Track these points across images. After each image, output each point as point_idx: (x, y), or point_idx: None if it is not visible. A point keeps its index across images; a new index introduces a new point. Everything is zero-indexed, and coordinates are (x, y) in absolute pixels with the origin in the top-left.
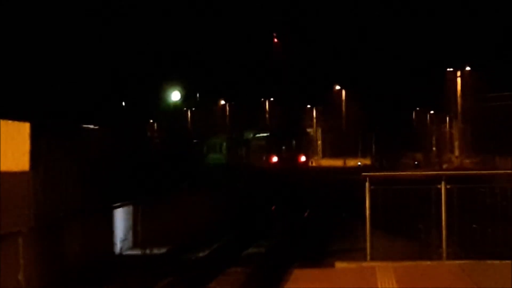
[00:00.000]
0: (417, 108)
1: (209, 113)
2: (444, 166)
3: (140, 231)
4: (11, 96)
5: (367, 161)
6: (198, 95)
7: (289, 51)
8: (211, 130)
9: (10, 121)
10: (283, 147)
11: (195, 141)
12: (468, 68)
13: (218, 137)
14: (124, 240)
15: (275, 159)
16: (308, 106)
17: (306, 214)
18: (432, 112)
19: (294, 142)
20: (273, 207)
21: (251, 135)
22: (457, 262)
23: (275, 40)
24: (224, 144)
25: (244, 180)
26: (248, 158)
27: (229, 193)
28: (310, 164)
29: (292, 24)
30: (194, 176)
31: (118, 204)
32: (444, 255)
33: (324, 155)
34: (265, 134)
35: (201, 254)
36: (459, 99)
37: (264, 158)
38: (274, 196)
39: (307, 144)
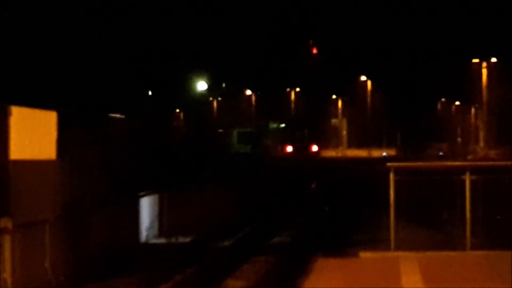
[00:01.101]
0: (443, 99)
1: (235, 103)
2: (469, 157)
3: (165, 220)
4: (38, 85)
5: (392, 152)
6: (224, 85)
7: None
8: (236, 120)
9: (37, 110)
10: (297, 138)
11: (220, 130)
12: (494, 59)
13: (246, 127)
14: (150, 229)
15: (289, 148)
16: (334, 96)
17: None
18: (457, 103)
19: (306, 132)
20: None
21: (272, 126)
22: (481, 252)
23: (314, 50)
24: (252, 134)
25: (268, 170)
26: (268, 148)
27: (254, 182)
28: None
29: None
30: (219, 165)
31: (144, 193)
32: (468, 245)
33: (349, 146)
34: (281, 126)
35: (226, 243)
36: (484, 90)
37: (279, 148)
38: (289, 184)
39: (319, 134)
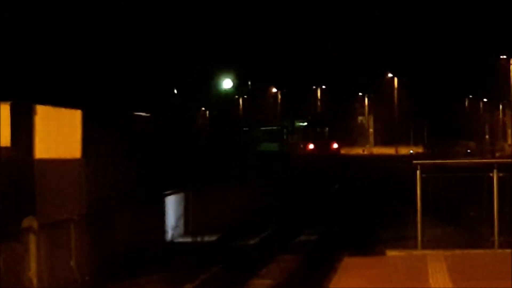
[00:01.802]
0: (470, 96)
1: (260, 100)
2: (497, 154)
3: (191, 218)
4: (63, 83)
5: (419, 149)
6: (249, 82)
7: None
8: (262, 118)
9: (62, 108)
10: (318, 135)
11: (245, 129)
12: None
13: (272, 125)
14: (175, 228)
15: (311, 146)
16: (360, 94)
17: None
18: (485, 100)
19: (327, 130)
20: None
21: (297, 124)
22: (509, 251)
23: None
24: (279, 132)
25: (294, 168)
26: (293, 145)
27: (280, 180)
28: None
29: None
30: (245, 164)
31: (170, 191)
32: (496, 243)
33: (376, 143)
34: (303, 124)
35: (251, 242)
36: None
37: (302, 145)
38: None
39: (340, 132)
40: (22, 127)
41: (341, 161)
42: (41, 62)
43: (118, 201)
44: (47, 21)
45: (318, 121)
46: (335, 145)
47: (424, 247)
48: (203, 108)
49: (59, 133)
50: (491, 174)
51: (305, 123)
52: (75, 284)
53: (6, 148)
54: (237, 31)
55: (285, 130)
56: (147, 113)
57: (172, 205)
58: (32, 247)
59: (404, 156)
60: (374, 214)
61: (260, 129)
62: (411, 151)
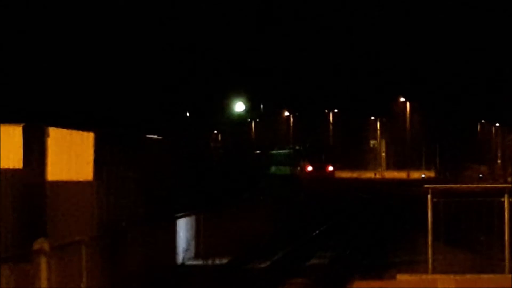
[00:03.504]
0: (482, 121)
1: (272, 124)
2: (509, 179)
3: (202, 241)
4: (75, 106)
5: (431, 174)
6: (262, 106)
7: None
8: (274, 141)
9: (74, 131)
10: (315, 159)
11: (257, 152)
12: None
13: (284, 149)
14: (186, 250)
15: (309, 168)
16: (372, 117)
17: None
18: (497, 124)
19: (323, 155)
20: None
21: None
22: None
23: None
24: (290, 155)
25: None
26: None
27: (291, 203)
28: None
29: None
30: (256, 186)
31: (181, 214)
32: (507, 268)
33: (388, 167)
34: (299, 148)
35: (262, 265)
36: None
37: (300, 168)
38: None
39: (334, 156)
40: (35, 149)
41: (336, 182)
42: (55, 85)
43: (129, 223)
44: (60, 44)
45: (315, 147)
46: (330, 168)
47: (435, 271)
48: (215, 131)
49: (71, 155)
50: (502, 199)
51: (301, 148)
52: None
53: (18, 170)
54: (250, 55)
55: (294, 154)
56: (159, 135)
57: (183, 227)
58: (43, 269)
59: (416, 180)
60: (386, 238)
61: (271, 153)
62: (423, 175)
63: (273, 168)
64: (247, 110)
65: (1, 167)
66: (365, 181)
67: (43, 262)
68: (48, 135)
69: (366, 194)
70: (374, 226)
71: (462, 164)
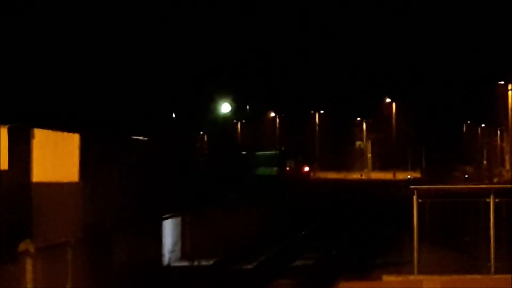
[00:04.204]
0: (468, 122)
1: (258, 125)
2: (495, 179)
3: (188, 242)
4: (61, 107)
5: (417, 174)
6: (248, 107)
7: None
8: (260, 142)
9: (60, 132)
10: (292, 160)
11: (243, 153)
12: None
13: (270, 150)
14: (172, 252)
15: (286, 168)
16: (358, 118)
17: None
18: (483, 125)
19: (300, 156)
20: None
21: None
22: (506, 276)
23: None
24: (275, 156)
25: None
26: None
27: (277, 204)
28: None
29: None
30: (242, 187)
31: (167, 215)
32: (493, 269)
33: (374, 168)
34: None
35: (248, 266)
36: (510, 112)
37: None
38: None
39: (312, 158)
40: (20, 151)
41: (312, 183)
42: (39, 86)
43: (115, 225)
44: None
45: (292, 149)
46: (306, 169)
47: (420, 272)
48: (202, 132)
49: (57, 156)
50: (487, 200)
51: (282, 150)
52: None
53: (3, 171)
54: (236, 56)
55: (282, 155)
56: (145, 136)
57: (169, 228)
58: (29, 270)
59: (402, 181)
60: (371, 239)
61: (257, 154)
62: (409, 176)
63: (259, 169)
64: (233, 111)
65: None
66: (351, 182)
67: (28, 263)
68: (33, 137)
69: (352, 194)
70: (360, 227)
71: (448, 165)
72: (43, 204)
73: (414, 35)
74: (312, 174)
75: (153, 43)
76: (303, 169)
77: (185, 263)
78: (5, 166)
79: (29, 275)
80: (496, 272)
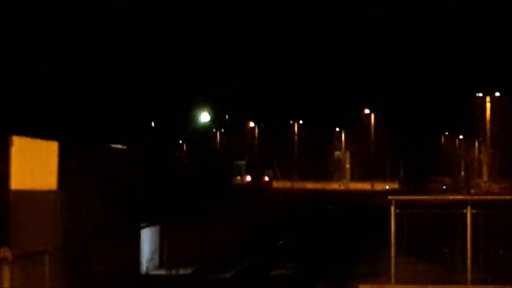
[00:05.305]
0: (446, 133)
1: (238, 134)
2: (472, 191)
3: (166, 251)
4: (39, 115)
5: (395, 185)
6: (227, 116)
7: None
8: (239, 151)
9: (38, 140)
10: (256, 170)
11: (222, 162)
12: (497, 94)
13: (241, 159)
14: (150, 260)
15: (248, 178)
16: (337, 129)
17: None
18: (461, 137)
19: (261, 167)
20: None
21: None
22: (482, 287)
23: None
24: (243, 166)
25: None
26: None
27: (252, 214)
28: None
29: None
30: (221, 197)
31: (145, 224)
32: (469, 279)
33: (353, 178)
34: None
35: (227, 275)
36: (488, 124)
37: (240, 177)
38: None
39: (273, 168)
40: None
41: (273, 191)
42: (17, 93)
43: (93, 233)
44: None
45: (255, 159)
46: (266, 178)
47: (397, 282)
48: (181, 141)
49: (35, 164)
50: (464, 211)
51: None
52: None
53: None
54: (215, 65)
55: (252, 164)
56: (124, 145)
57: (148, 237)
58: (6, 278)
59: (380, 191)
60: (349, 249)
61: (235, 163)
62: (387, 187)
63: (235, 178)
64: (212, 121)
65: None
66: (329, 192)
67: (5, 271)
68: (12, 144)
69: (330, 204)
70: (338, 237)
71: (426, 176)
72: (21, 211)
73: (394, 46)
74: (273, 183)
75: (134, 51)
76: (264, 178)
77: (163, 272)
78: None
79: (6, 282)
80: (472, 283)
